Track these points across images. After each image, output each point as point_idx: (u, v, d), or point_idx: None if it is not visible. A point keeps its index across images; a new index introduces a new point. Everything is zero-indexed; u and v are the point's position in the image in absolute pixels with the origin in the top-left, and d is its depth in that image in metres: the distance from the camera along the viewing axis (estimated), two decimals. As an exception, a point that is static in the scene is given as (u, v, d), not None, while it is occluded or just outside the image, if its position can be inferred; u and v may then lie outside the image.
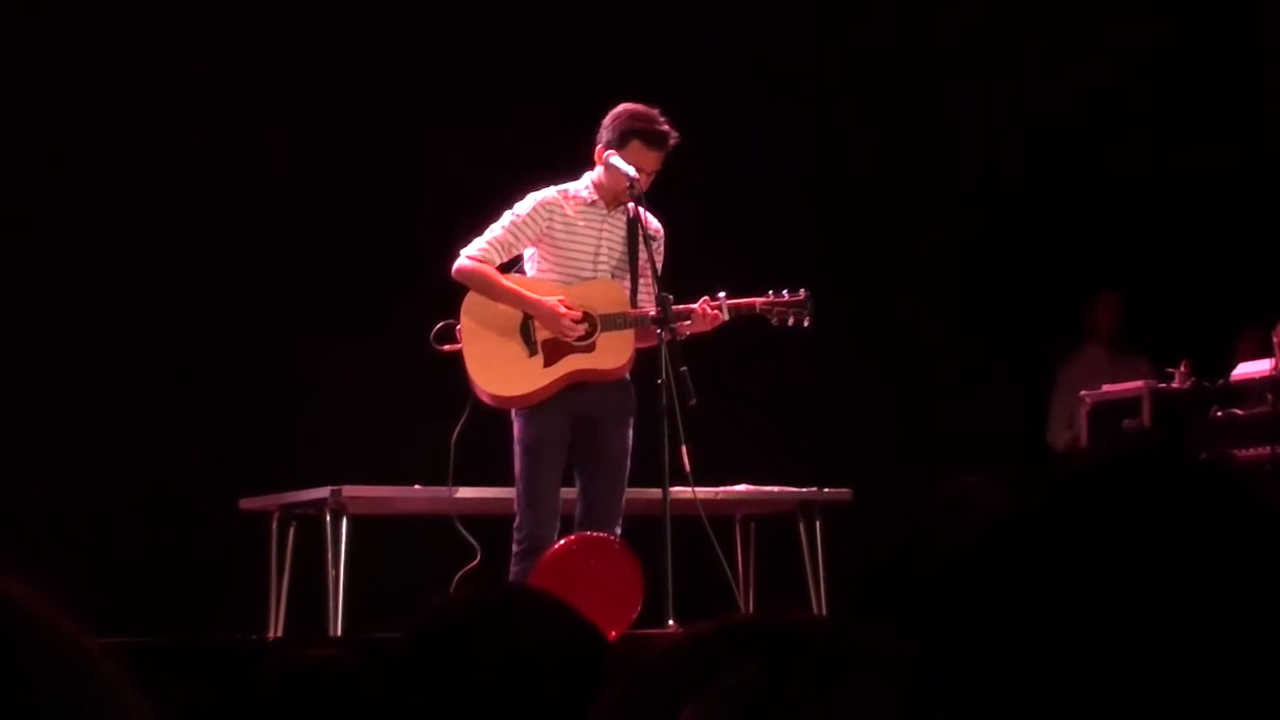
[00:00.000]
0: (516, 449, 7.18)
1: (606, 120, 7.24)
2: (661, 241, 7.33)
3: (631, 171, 7.11)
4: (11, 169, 8.59)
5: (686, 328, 7.25)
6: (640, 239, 7.27)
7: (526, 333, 7.23)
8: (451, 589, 7.11)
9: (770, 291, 7.48)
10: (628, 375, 7.30)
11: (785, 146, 9.89)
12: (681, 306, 7.25)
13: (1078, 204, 10.39)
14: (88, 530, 8.36)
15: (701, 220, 8.60)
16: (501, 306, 7.24)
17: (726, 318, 7.34)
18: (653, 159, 7.17)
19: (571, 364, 7.24)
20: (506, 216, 7.25)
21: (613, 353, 7.26)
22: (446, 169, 8.81)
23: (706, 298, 7.32)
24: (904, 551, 1.94)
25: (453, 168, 8.75)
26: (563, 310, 7.20)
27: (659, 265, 7.26)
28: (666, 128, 7.18)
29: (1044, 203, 10.38)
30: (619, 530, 7.16)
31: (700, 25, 9.76)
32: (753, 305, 7.44)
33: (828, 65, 10.03)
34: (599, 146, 7.24)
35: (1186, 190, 10.07)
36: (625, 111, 7.23)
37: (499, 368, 7.20)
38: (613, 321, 7.26)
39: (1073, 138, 10.20)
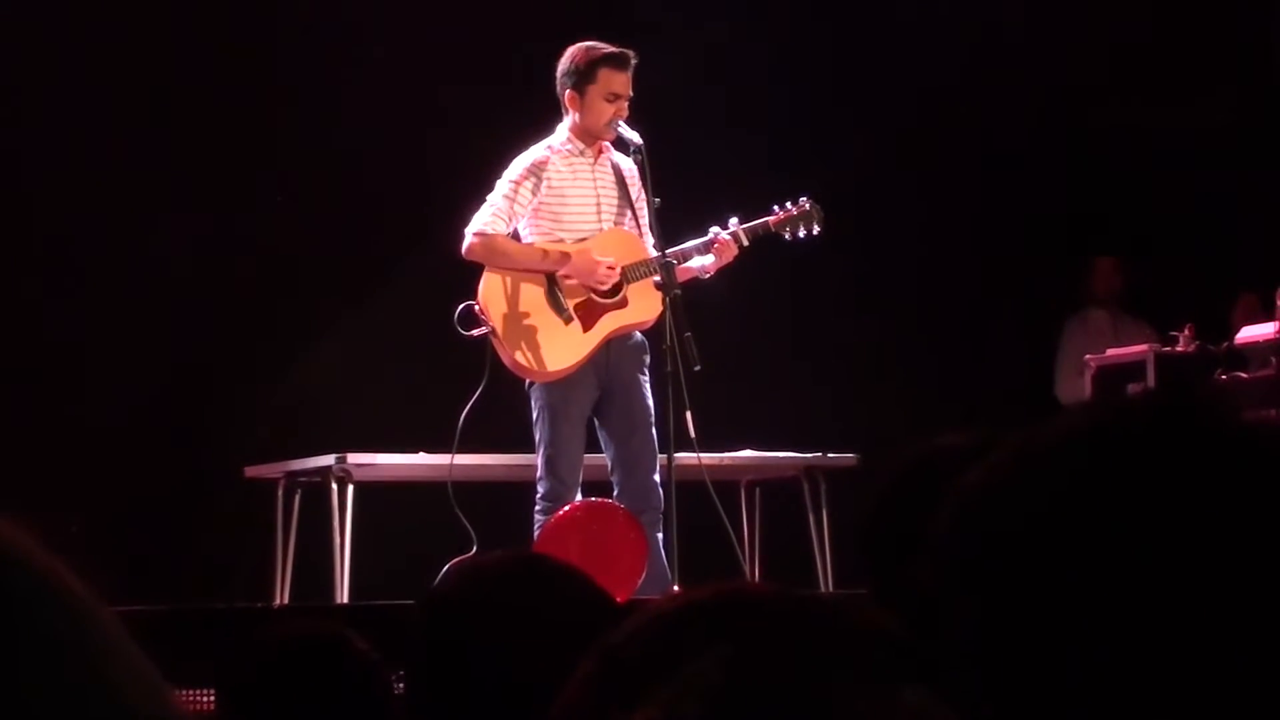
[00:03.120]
0: (542, 414, 7.08)
1: (563, 65, 7.15)
2: (638, 175, 7.21)
3: (637, 139, 7.08)
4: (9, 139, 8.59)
5: (712, 268, 7.23)
6: (629, 185, 7.22)
7: (555, 301, 7.13)
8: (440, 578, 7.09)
9: (776, 207, 7.46)
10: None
11: (786, 86, 9.84)
12: (695, 242, 7.22)
13: (1080, 163, 10.37)
14: (94, 498, 8.36)
15: (693, 153, 8.56)
16: (523, 280, 7.13)
17: (746, 244, 7.31)
18: (623, 80, 7.10)
19: (610, 323, 7.16)
20: (502, 184, 7.15)
21: (646, 304, 7.17)
22: (444, 137, 8.79)
23: (716, 228, 7.28)
24: (883, 519, 1.91)
25: (450, 127, 8.73)
26: (598, 257, 7.13)
27: (646, 202, 7.15)
28: (623, 49, 7.15)
29: (1046, 162, 10.35)
30: (658, 478, 7.09)
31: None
32: (766, 225, 7.41)
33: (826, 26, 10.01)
34: (567, 93, 7.15)
35: (1186, 150, 10.03)
36: (579, 48, 7.15)
37: (540, 345, 7.07)
38: (637, 271, 7.18)
39: (1074, 95, 10.17)
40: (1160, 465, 1.19)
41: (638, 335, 7.24)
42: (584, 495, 7.11)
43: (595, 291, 7.15)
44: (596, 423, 7.19)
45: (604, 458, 7.19)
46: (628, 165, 7.24)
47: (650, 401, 7.15)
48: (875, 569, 1.91)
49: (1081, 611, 1.16)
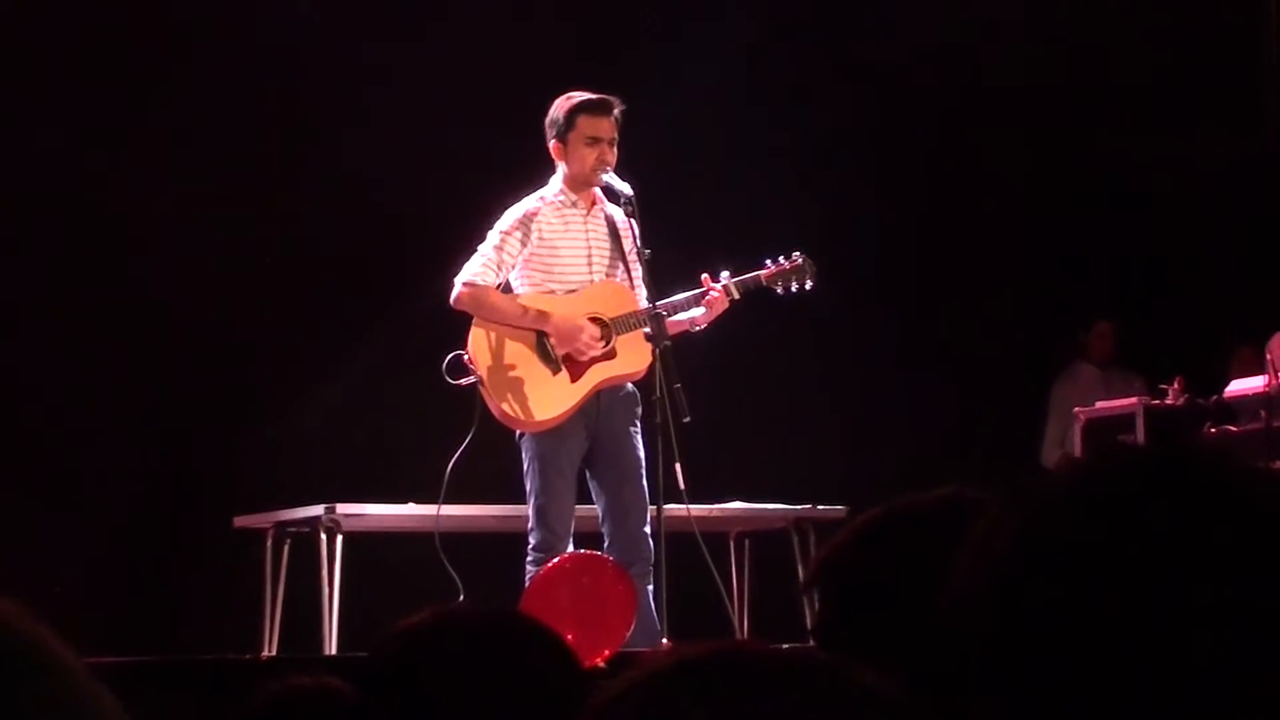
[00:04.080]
0: (533, 464, 7.08)
1: (548, 118, 7.21)
2: (631, 226, 7.21)
3: (627, 190, 7.10)
4: None
5: (702, 320, 7.23)
6: (623, 237, 7.23)
7: (544, 351, 7.13)
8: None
9: (768, 261, 7.47)
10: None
11: (778, 139, 9.86)
12: (686, 294, 7.23)
13: (1075, 216, 10.39)
14: (83, 549, 8.35)
15: (684, 203, 8.57)
16: (511, 329, 7.17)
17: (737, 297, 7.31)
18: (606, 125, 7.14)
19: (598, 374, 7.16)
20: (494, 235, 7.17)
21: (634, 355, 7.17)
22: (437, 181, 8.80)
23: (707, 276, 7.28)
24: (849, 570, 1.90)
25: (443, 177, 8.74)
26: (581, 323, 7.14)
27: (637, 254, 7.17)
28: (604, 95, 7.19)
29: (1042, 214, 10.37)
30: (649, 530, 7.08)
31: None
32: (758, 279, 7.41)
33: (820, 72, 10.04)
34: (552, 143, 7.20)
35: (1184, 199, 10.05)
36: (560, 99, 7.21)
37: (526, 395, 7.08)
38: (626, 323, 7.19)
39: (1071, 144, 10.20)
40: (1174, 514, 1.24)
41: (629, 386, 7.25)
42: (575, 546, 7.10)
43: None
44: (587, 473, 7.19)
45: (594, 508, 7.19)
46: (621, 217, 7.26)
47: (641, 453, 7.14)
48: (836, 616, 1.92)
49: (1109, 654, 1.19)
